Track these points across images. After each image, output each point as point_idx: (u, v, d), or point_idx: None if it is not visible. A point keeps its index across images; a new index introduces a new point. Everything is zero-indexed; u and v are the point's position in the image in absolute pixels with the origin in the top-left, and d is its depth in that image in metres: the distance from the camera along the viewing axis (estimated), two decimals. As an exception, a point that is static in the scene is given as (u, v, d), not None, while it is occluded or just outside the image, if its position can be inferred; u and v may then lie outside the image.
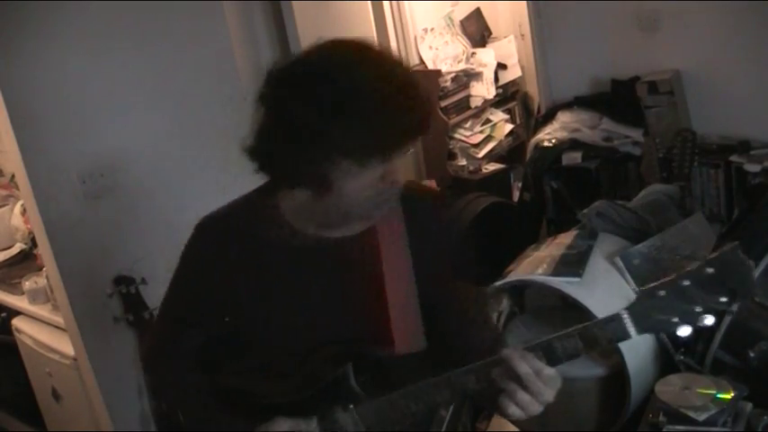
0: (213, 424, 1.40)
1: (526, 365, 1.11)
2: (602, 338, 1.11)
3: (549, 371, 1.12)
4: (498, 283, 1.86)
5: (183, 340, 1.45)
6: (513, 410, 1.13)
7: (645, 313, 1.08)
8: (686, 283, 1.03)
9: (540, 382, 1.12)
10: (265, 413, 1.30)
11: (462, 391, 1.19)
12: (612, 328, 1.10)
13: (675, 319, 1.05)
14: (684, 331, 1.05)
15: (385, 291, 1.29)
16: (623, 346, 1.67)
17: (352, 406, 1.28)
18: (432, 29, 4.37)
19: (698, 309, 1.03)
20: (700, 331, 1.63)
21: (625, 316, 1.09)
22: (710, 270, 1.02)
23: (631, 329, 1.09)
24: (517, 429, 1.96)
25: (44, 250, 2.40)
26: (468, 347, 1.33)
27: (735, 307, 1.59)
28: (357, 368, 1.29)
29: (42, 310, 2.74)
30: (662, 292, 1.05)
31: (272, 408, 1.31)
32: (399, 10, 4.20)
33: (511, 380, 1.12)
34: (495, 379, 1.14)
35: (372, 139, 1.11)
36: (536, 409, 1.13)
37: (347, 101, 1.10)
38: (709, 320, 1.04)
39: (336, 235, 1.31)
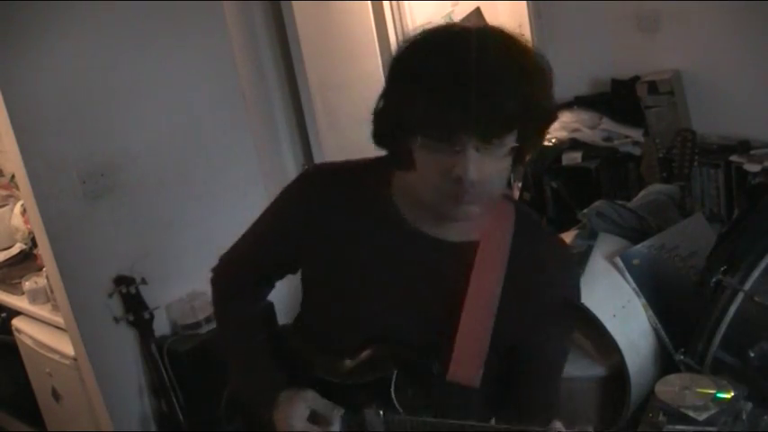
0: (244, 365, 1.39)
1: None
2: None
3: None
4: (498, 283, 1.86)
5: (254, 270, 1.44)
6: None
7: None
8: None
9: None
10: (295, 375, 1.31)
11: None
12: None
13: None
14: None
15: (461, 312, 1.21)
16: (623, 345, 1.67)
17: (382, 412, 1.23)
18: (432, 29, 4.37)
19: None
20: (699, 332, 1.64)
21: None
22: None
23: None
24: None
25: (44, 250, 2.40)
26: (521, 408, 1.25)
27: (733, 308, 1.59)
28: (401, 378, 1.24)
29: (42, 310, 2.74)
30: None
31: (305, 378, 1.31)
32: (399, 10, 4.20)
33: None
34: None
35: (429, 115, 1.06)
36: None
37: (424, 77, 1.07)
38: None
39: (435, 234, 1.24)
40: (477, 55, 1.06)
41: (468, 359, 1.21)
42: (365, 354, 1.28)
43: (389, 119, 1.15)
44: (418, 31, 1.15)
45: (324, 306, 1.35)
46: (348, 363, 1.30)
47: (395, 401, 1.23)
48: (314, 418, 1.26)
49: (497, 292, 1.20)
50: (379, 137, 1.20)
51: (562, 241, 1.38)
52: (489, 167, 1.09)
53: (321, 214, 1.28)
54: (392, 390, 1.23)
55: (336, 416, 1.26)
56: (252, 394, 1.37)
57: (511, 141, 1.09)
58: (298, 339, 1.42)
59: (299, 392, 1.28)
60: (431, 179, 1.12)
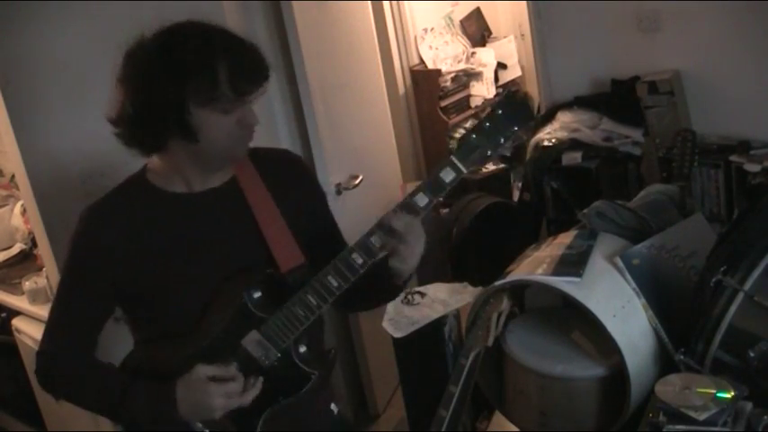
0: (124, 395, 1.44)
1: (399, 220, 1.37)
2: (444, 182, 1.39)
3: (416, 223, 1.39)
4: (498, 283, 1.86)
5: (89, 331, 1.53)
6: (397, 264, 1.41)
7: (466, 153, 1.39)
8: (488, 124, 1.40)
9: (413, 233, 1.38)
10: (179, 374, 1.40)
11: (353, 270, 1.40)
12: (449, 170, 1.38)
13: (489, 152, 1.41)
14: (492, 154, 1.43)
15: (257, 223, 1.49)
16: (623, 345, 1.67)
17: (253, 331, 1.43)
18: (432, 29, 4.38)
19: (501, 139, 1.41)
20: (699, 332, 1.64)
21: (454, 159, 1.39)
22: (500, 111, 1.40)
23: (461, 166, 1.39)
24: (517, 429, 1.96)
25: (44, 250, 2.41)
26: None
27: (733, 308, 1.59)
28: (251, 297, 1.44)
29: (42, 310, 2.74)
30: (473, 135, 1.40)
31: (186, 366, 1.41)
32: (399, 10, 4.21)
33: (391, 238, 1.38)
34: (376, 246, 1.39)
35: (222, 87, 1.34)
36: (415, 259, 1.42)
37: (198, 60, 1.35)
38: (507, 146, 1.50)
39: (205, 187, 1.50)
40: (225, 32, 1.44)
41: (286, 251, 1.49)
42: (215, 306, 1.46)
43: (157, 113, 1.35)
44: (148, 37, 1.46)
45: (166, 299, 1.48)
46: (208, 325, 1.45)
47: (257, 314, 1.44)
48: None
49: (269, 197, 1.51)
50: (133, 137, 1.44)
51: (278, 149, 1.73)
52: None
53: (118, 237, 1.44)
54: (249, 305, 1.44)
55: (232, 368, 1.41)
56: (147, 408, 1.42)
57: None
58: (150, 354, 1.54)
59: (189, 375, 1.38)
60: (222, 135, 1.38)
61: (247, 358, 1.43)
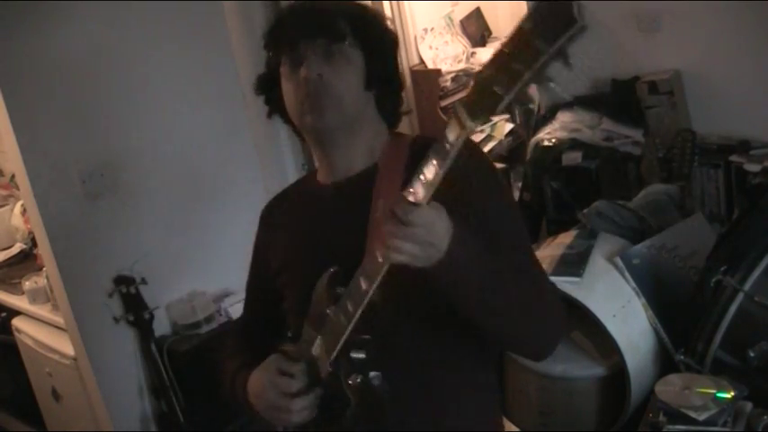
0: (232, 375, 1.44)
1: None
2: (449, 141, 1.10)
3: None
4: (498, 283, 1.86)
5: (255, 319, 1.54)
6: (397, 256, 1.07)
7: (478, 99, 1.02)
8: (507, 51, 0.95)
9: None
10: None
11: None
12: (453, 127, 1.10)
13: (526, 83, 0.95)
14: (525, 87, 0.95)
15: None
16: (623, 345, 1.67)
17: (318, 336, 1.29)
18: (432, 29, 4.37)
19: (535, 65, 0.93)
20: (699, 332, 1.64)
21: (460, 110, 1.06)
22: (531, 25, 0.95)
23: (468, 120, 1.05)
24: (517, 429, 1.96)
25: (44, 250, 2.41)
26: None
27: (733, 308, 1.59)
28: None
29: (42, 310, 2.74)
30: (488, 72, 0.98)
31: None
32: (399, 10, 4.20)
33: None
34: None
35: (279, 33, 1.29)
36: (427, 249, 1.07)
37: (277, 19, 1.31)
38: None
39: (339, 178, 1.35)
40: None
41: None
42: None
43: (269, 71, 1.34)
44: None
45: (290, 304, 1.41)
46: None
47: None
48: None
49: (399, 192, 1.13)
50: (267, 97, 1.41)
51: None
52: (327, 70, 1.25)
53: (268, 234, 1.45)
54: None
55: (297, 366, 1.30)
56: (237, 393, 1.40)
57: (351, 55, 1.27)
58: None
59: (264, 362, 1.34)
60: (291, 95, 1.29)
61: (311, 363, 1.29)
